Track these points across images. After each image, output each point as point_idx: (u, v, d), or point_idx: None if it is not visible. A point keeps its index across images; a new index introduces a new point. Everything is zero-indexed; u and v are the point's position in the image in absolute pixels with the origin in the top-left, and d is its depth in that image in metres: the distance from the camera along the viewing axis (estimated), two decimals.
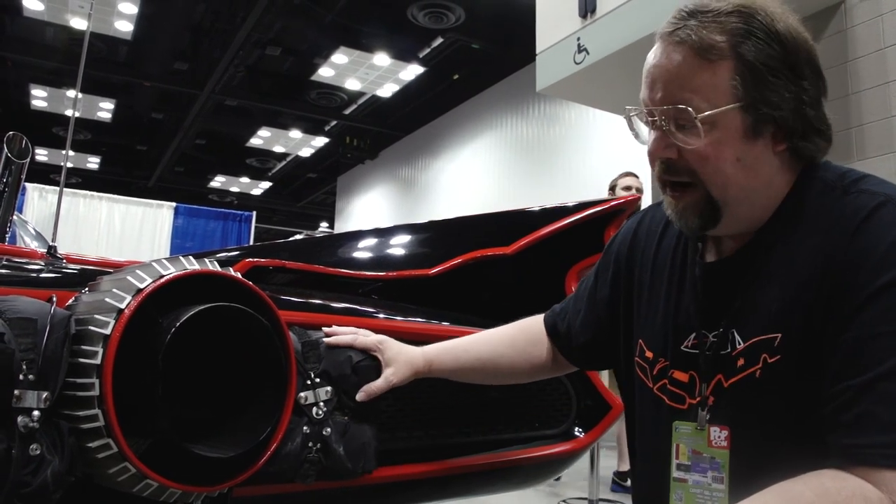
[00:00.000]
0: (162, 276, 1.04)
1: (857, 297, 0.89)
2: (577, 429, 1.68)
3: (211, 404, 1.12)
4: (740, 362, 1.01)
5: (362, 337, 1.30)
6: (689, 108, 0.98)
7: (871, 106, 4.36)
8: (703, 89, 0.98)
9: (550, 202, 1.90)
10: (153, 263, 1.07)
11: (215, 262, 1.12)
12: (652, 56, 1.03)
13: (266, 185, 19.68)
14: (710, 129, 0.98)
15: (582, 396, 1.70)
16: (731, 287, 1.05)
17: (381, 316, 1.48)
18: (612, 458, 5.26)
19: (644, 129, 1.09)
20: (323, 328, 1.31)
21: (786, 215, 1.02)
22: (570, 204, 1.84)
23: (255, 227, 10.94)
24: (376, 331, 1.35)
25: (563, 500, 3.96)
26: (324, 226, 22.65)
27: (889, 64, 4.34)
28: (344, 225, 18.90)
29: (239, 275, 1.13)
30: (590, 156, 10.47)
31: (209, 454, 1.02)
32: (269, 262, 1.67)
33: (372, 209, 17.48)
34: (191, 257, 1.12)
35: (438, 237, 1.92)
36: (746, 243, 1.06)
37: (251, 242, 10.33)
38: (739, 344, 1.02)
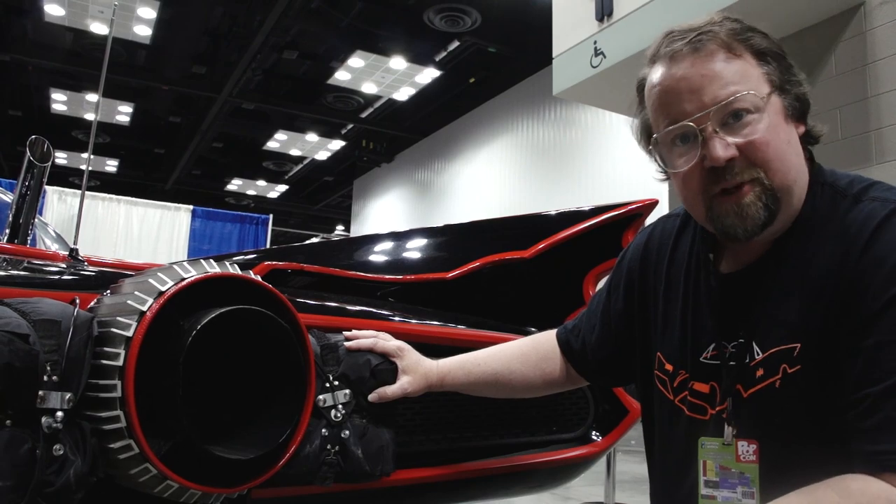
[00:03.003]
0: (183, 279, 1.04)
1: (874, 305, 0.90)
2: (594, 433, 1.68)
3: (231, 406, 1.13)
4: (759, 372, 1.01)
5: (382, 342, 1.30)
6: (751, 92, 0.99)
7: (891, 109, 4.32)
8: (743, 80, 1.00)
9: (567, 206, 1.90)
10: (174, 266, 1.08)
11: (236, 266, 1.13)
12: (674, 72, 1.02)
13: (282, 188, 19.77)
14: (763, 115, 0.99)
15: (599, 400, 1.70)
16: (748, 297, 1.06)
17: (401, 320, 1.48)
18: (626, 462, 5.24)
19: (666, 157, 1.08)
20: (343, 332, 1.31)
21: (800, 223, 1.04)
22: (588, 208, 1.83)
23: (272, 230, 10.99)
24: (395, 335, 1.35)
25: (579, 503, 3.94)
26: (340, 229, 22.72)
27: None
28: (360, 228, 18.94)
29: (259, 278, 1.14)
30: (606, 160, 10.45)
31: (229, 456, 1.02)
32: (287, 265, 1.68)
33: (388, 212, 17.51)
34: (211, 260, 1.13)
35: (456, 241, 1.92)
36: (762, 254, 1.07)
37: (267, 245, 10.39)
38: (758, 354, 1.02)
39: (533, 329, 1.73)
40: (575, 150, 11.25)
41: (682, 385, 1.12)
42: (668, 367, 1.16)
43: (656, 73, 1.06)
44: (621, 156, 10.02)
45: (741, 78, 1.00)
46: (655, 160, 1.12)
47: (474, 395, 1.39)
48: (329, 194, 20.52)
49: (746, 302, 1.06)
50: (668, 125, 1.04)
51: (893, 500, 0.82)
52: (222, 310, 1.02)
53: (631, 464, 5.67)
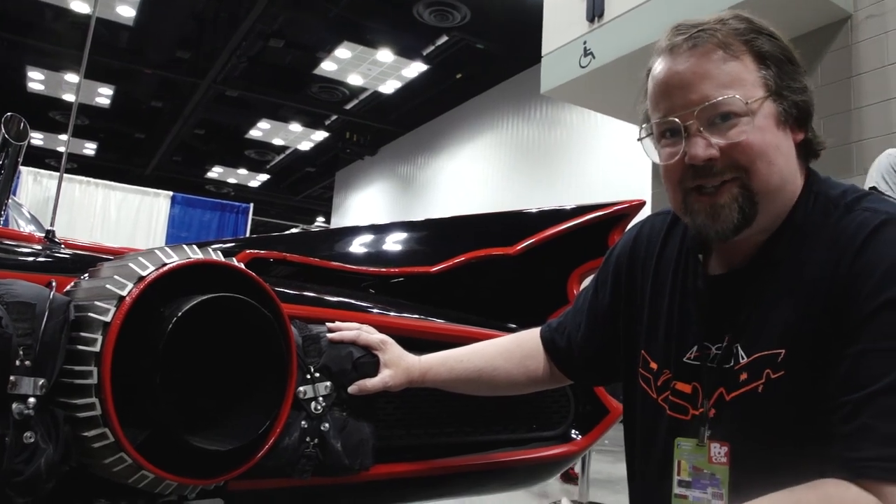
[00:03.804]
0: (165, 264, 1.02)
1: (860, 313, 0.90)
2: (574, 431, 1.67)
3: (210, 396, 1.11)
4: (743, 376, 1.01)
5: (365, 334, 1.28)
6: (738, 96, 0.98)
7: (873, 122, 4.37)
8: (737, 83, 1.00)
9: (552, 204, 1.89)
10: (156, 251, 1.06)
11: (219, 252, 1.10)
12: (670, 64, 1.03)
13: (264, 177, 19.65)
14: (752, 119, 0.99)
15: (580, 399, 1.69)
16: (736, 301, 1.05)
17: (384, 312, 1.46)
18: (600, 461, 5.26)
19: (654, 146, 1.09)
20: (326, 323, 1.29)
21: (791, 229, 1.03)
22: (575, 206, 1.82)
23: (252, 219, 10.90)
24: (378, 328, 1.34)
25: (553, 502, 3.95)
26: (320, 220, 22.65)
27: (892, 81, 4.35)
28: (340, 220, 18.89)
29: (242, 266, 1.11)
30: (590, 160, 10.49)
31: (207, 447, 1.00)
32: (269, 253, 1.66)
33: (369, 205, 17.47)
34: (194, 246, 1.10)
35: (441, 235, 1.90)
36: (751, 257, 1.06)
37: (247, 234, 10.30)
38: (743, 358, 1.02)
39: (515, 326, 1.72)
40: (559, 149, 11.28)
41: (666, 384, 1.12)
42: (653, 365, 1.15)
43: (656, 66, 1.06)
44: (605, 157, 10.07)
45: (733, 80, 1.00)
46: (647, 150, 1.12)
47: (455, 392, 1.37)
48: (311, 185, 20.43)
49: (733, 305, 1.06)
50: (658, 118, 1.05)
51: None
52: (204, 297, 1.00)
53: (604, 463, 5.69)
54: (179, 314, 0.97)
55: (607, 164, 9.96)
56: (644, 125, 1.11)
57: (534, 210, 1.87)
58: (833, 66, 4.52)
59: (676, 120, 1.02)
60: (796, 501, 0.84)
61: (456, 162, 14.13)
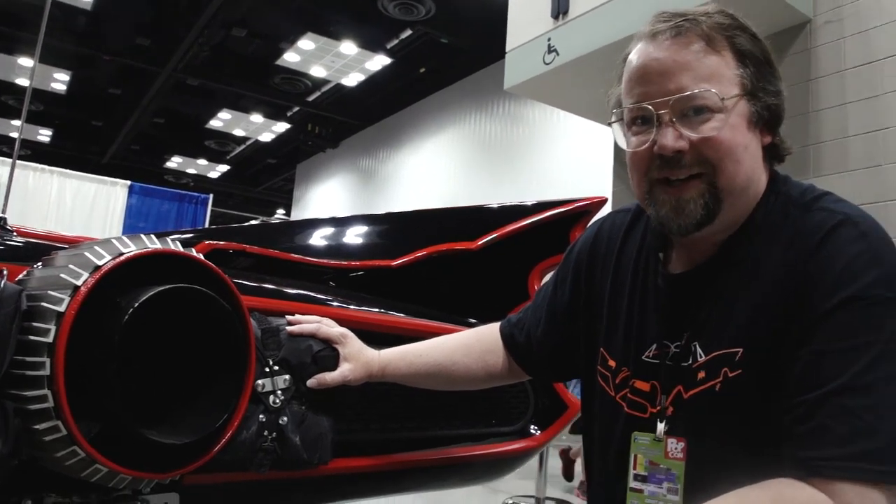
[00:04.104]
0: (122, 254, 1.00)
1: (815, 314, 0.91)
2: (533, 427, 1.68)
3: (166, 389, 1.09)
4: (700, 375, 1.01)
5: (325, 328, 1.27)
6: (714, 91, 0.98)
7: (830, 125, 4.45)
8: (715, 78, 0.99)
9: (515, 200, 1.89)
10: (112, 240, 1.04)
11: (177, 242, 1.08)
12: (650, 51, 1.02)
13: (224, 168, 19.39)
14: (725, 116, 0.99)
15: (539, 395, 1.70)
16: (695, 299, 1.06)
17: (344, 306, 1.46)
18: (557, 457, 5.29)
19: (623, 132, 1.09)
20: (286, 316, 1.28)
21: (752, 228, 1.04)
22: (537, 202, 1.83)
23: (211, 210, 10.73)
24: (338, 321, 1.33)
25: (510, 497, 3.97)
26: (280, 213, 22.44)
27: (848, 86, 4.44)
28: (301, 213, 18.73)
29: (201, 256, 1.10)
30: (552, 157, 10.54)
31: (163, 440, 0.99)
32: (229, 245, 1.64)
33: (330, 198, 17.36)
34: (152, 236, 1.08)
35: (402, 229, 1.90)
36: (712, 256, 1.07)
37: (206, 225, 10.15)
38: (701, 357, 1.02)
39: (475, 321, 1.72)
40: (521, 146, 11.32)
41: (624, 382, 1.13)
42: (611, 363, 1.16)
43: (636, 51, 1.05)
44: (567, 154, 10.12)
45: (712, 74, 0.99)
46: (616, 135, 1.11)
47: (415, 386, 1.37)
48: (271, 177, 20.21)
49: (693, 303, 1.06)
50: (631, 103, 1.04)
51: None
52: (162, 287, 0.98)
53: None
54: (136, 305, 0.95)
55: (569, 161, 10.02)
56: (615, 109, 1.09)
57: (496, 205, 1.87)
58: (793, 69, 4.59)
59: (650, 107, 1.01)
60: (749, 502, 0.85)
61: (418, 156, 14.10)
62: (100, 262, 0.98)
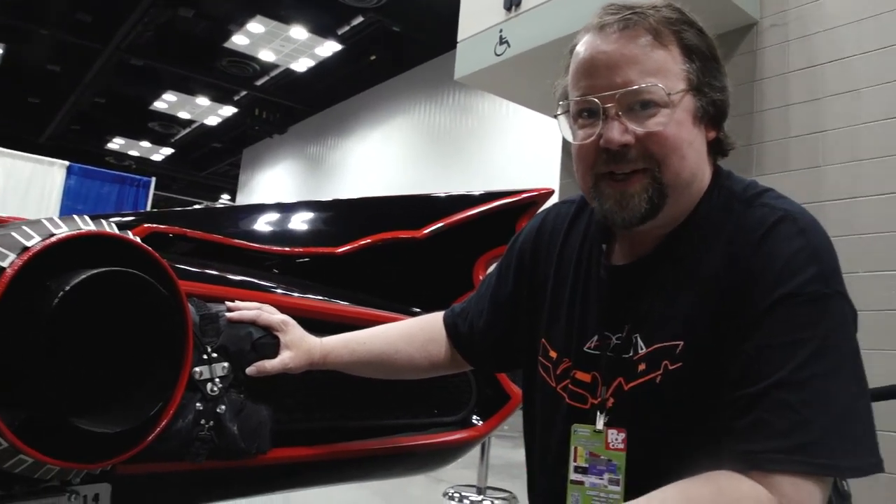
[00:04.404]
0: (53, 235, 0.96)
1: (756, 309, 0.93)
2: (475, 417, 1.68)
3: (98, 376, 1.05)
4: (641, 367, 1.02)
5: (266, 314, 1.25)
6: (661, 86, 0.98)
7: (773, 126, 4.56)
8: (661, 72, 0.99)
9: (461, 190, 1.89)
10: (43, 221, 0.99)
11: (113, 225, 1.05)
12: (598, 44, 1.02)
13: (168, 151, 18.96)
14: (672, 111, 0.99)
15: (482, 385, 1.70)
16: (637, 291, 1.07)
17: (286, 293, 1.43)
18: (498, 447, 5.34)
19: (569, 125, 1.08)
20: (225, 302, 1.25)
21: (695, 223, 1.05)
22: (483, 192, 1.83)
23: (154, 194, 10.46)
24: (280, 308, 1.30)
25: (451, 487, 3.98)
26: (225, 198, 22.08)
27: (791, 88, 4.54)
28: (247, 199, 18.47)
29: (138, 239, 1.06)
30: (500, 149, 10.58)
31: (93, 429, 0.95)
32: (169, 228, 1.60)
33: (277, 184, 17.15)
34: (86, 217, 1.04)
35: (347, 216, 1.87)
36: (654, 249, 1.08)
37: (148, 209, 9.91)
38: (642, 349, 1.03)
39: (419, 310, 1.71)
40: (470, 137, 11.33)
41: (565, 373, 1.13)
42: (553, 353, 1.16)
43: (583, 43, 1.05)
44: (514, 147, 10.17)
45: (659, 69, 1.00)
46: (561, 127, 1.10)
47: (356, 375, 1.35)
48: (216, 162, 19.85)
49: (634, 296, 1.07)
50: (577, 96, 1.04)
51: (761, 499, 0.84)
52: (95, 271, 0.94)
53: (503, 449, 5.79)
54: (67, 289, 0.91)
55: (517, 153, 10.07)
56: (562, 101, 1.09)
57: (442, 195, 1.86)
58: (739, 70, 4.69)
59: (596, 100, 1.00)
60: (689, 496, 0.85)
61: (366, 144, 14.01)
62: (28, 244, 0.94)
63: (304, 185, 16.00)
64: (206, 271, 1.35)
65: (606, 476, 1.01)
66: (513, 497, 3.94)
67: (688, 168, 1.02)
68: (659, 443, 1.00)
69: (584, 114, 1.04)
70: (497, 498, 3.88)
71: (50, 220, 1.00)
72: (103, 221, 1.05)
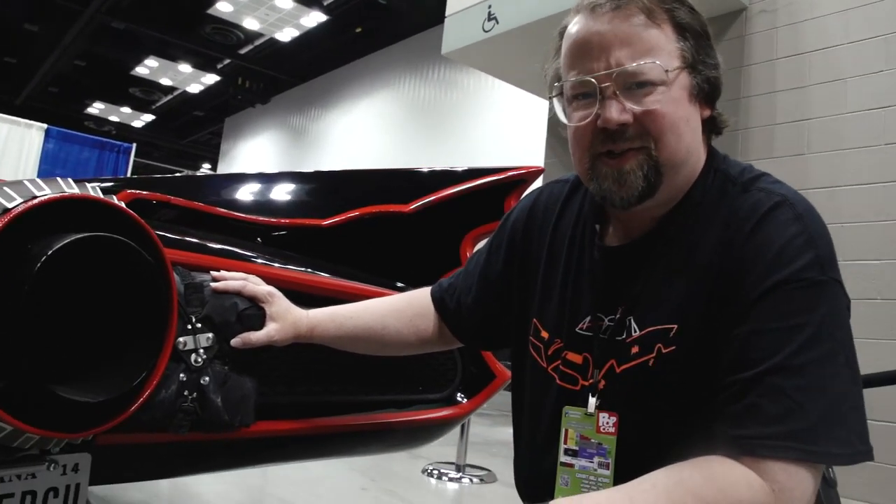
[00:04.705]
0: (35, 197, 0.93)
1: (751, 294, 0.92)
2: (460, 395, 1.67)
3: (80, 344, 1.03)
4: (634, 349, 1.01)
5: (252, 285, 1.23)
6: (658, 63, 0.97)
7: (760, 111, 4.57)
8: (656, 51, 0.98)
9: (450, 165, 1.87)
10: (25, 182, 0.96)
11: (97, 189, 1.02)
12: (591, 24, 1.00)
13: (149, 117, 18.70)
14: (668, 89, 0.98)
15: (467, 363, 1.69)
16: (631, 273, 1.05)
17: (272, 264, 1.41)
18: (477, 425, 5.36)
19: (563, 108, 1.07)
20: (210, 271, 1.22)
21: (689, 205, 1.04)
22: (472, 168, 1.81)
23: (134, 161, 10.30)
24: (266, 279, 1.28)
25: (430, 464, 3.99)
26: (206, 167, 21.85)
27: (778, 75, 4.55)
28: (228, 168, 18.31)
29: (122, 204, 1.03)
30: (484, 125, 10.55)
31: (74, 398, 0.93)
32: (153, 195, 1.57)
33: (258, 155, 17.00)
34: (70, 180, 1.01)
35: (334, 188, 1.85)
36: (648, 231, 1.07)
37: (128, 175, 9.76)
38: (635, 332, 1.02)
39: (403, 286, 1.70)
40: (454, 111, 11.28)
41: (556, 354, 1.12)
42: (544, 334, 1.15)
43: (574, 24, 1.03)
44: (499, 124, 10.14)
45: (653, 47, 0.98)
46: (556, 110, 1.09)
47: (343, 350, 1.33)
48: (198, 130, 19.62)
49: (628, 278, 1.06)
50: (573, 78, 1.02)
51: (752, 484, 0.83)
52: (79, 235, 0.92)
53: (482, 427, 5.82)
54: (49, 253, 0.89)
55: (501, 130, 10.04)
56: (556, 84, 1.07)
57: (431, 169, 1.84)
58: (728, 55, 4.68)
59: (593, 81, 0.99)
60: (680, 479, 0.84)
61: (350, 117, 13.91)
62: (10, 205, 0.91)
63: (287, 156, 15.87)
64: (191, 239, 1.33)
65: (596, 459, 1.01)
66: (491, 475, 3.96)
67: (684, 145, 1.01)
68: (650, 426, 0.99)
69: (580, 96, 1.03)
70: (475, 476, 3.89)
71: (32, 181, 0.97)
72: (87, 185, 1.02)
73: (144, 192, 1.54)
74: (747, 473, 0.84)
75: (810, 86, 4.40)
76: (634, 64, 0.97)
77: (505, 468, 4.15)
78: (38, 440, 0.94)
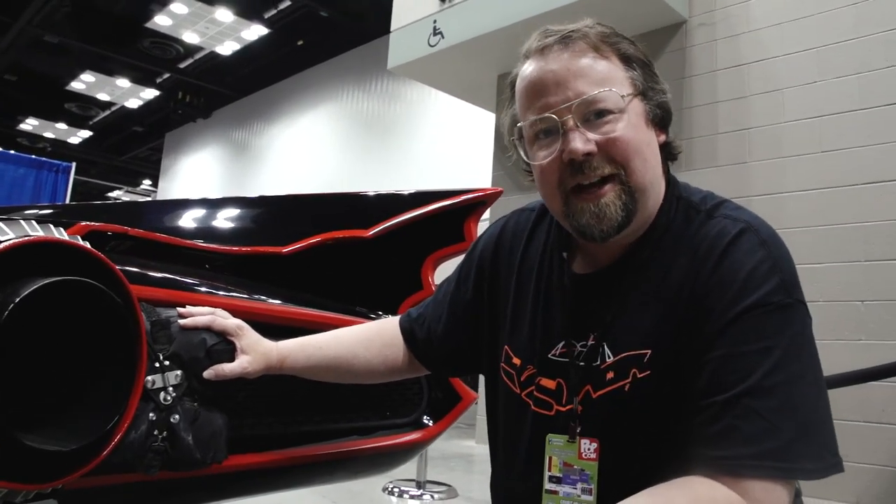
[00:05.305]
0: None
1: (721, 320, 0.95)
2: (426, 418, 1.67)
3: (45, 388, 1.00)
4: (609, 375, 1.03)
5: (221, 319, 1.21)
6: (614, 90, 1.01)
7: (701, 122, 4.69)
8: (609, 81, 1.02)
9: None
10: None
11: (62, 230, 1.00)
12: (543, 65, 1.04)
13: (86, 133, 18.24)
14: (625, 115, 1.02)
15: (433, 387, 1.69)
16: (602, 300, 1.08)
17: (239, 296, 1.39)
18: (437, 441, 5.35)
19: (525, 151, 1.10)
20: (177, 307, 1.20)
21: (657, 233, 1.07)
22: (432, 191, 1.81)
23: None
24: (232, 312, 1.26)
25: (390, 481, 3.97)
26: (147, 183, 21.40)
27: (719, 85, 4.68)
28: (169, 185, 17.98)
29: (88, 244, 1.01)
30: (429, 137, 10.58)
31: (45, 447, 0.90)
32: (107, 226, 1.53)
33: (201, 170, 16.74)
34: (33, 222, 0.99)
35: (292, 213, 1.83)
36: (617, 259, 1.09)
37: (68, 197, 9.47)
38: (609, 357, 1.04)
39: (364, 310, 1.70)
40: (397, 124, 11.29)
41: (530, 380, 1.13)
42: (516, 360, 1.16)
43: (527, 67, 1.07)
44: (443, 136, 10.19)
45: (606, 77, 1.02)
46: (518, 153, 1.11)
47: (312, 379, 1.32)
48: (137, 145, 19.20)
49: (598, 305, 1.08)
50: (532, 117, 1.05)
51: (733, 502, 0.86)
52: (47, 280, 0.89)
53: (438, 441, 5.80)
54: (17, 300, 0.86)
55: (446, 142, 10.08)
56: (516, 127, 1.10)
57: (390, 192, 1.84)
58: (668, 67, 4.80)
59: (553, 116, 1.02)
60: (666, 501, 0.86)
61: (293, 130, 13.80)
62: None
63: (229, 171, 15.67)
64: (154, 274, 1.30)
65: (580, 486, 1.02)
66: (452, 490, 3.96)
67: (650, 170, 1.05)
68: (628, 450, 1.01)
69: (541, 134, 1.05)
70: (436, 492, 3.89)
71: None
72: (52, 227, 1.00)
73: (97, 224, 1.51)
74: (728, 493, 0.87)
75: (750, 96, 4.53)
76: (594, 91, 1.00)
77: (465, 483, 4.16)
78: (7, 493, 0.91)
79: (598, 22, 1.09)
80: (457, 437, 6.08)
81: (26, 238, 0.93)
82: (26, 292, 0.87)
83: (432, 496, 3.83)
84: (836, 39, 4.21)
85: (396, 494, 3.83)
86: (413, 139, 10.91)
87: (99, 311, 0.99)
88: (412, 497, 3.81)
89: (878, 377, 3.25)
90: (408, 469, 4.01)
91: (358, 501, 3.68)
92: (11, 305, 0.86)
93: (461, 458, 5.22)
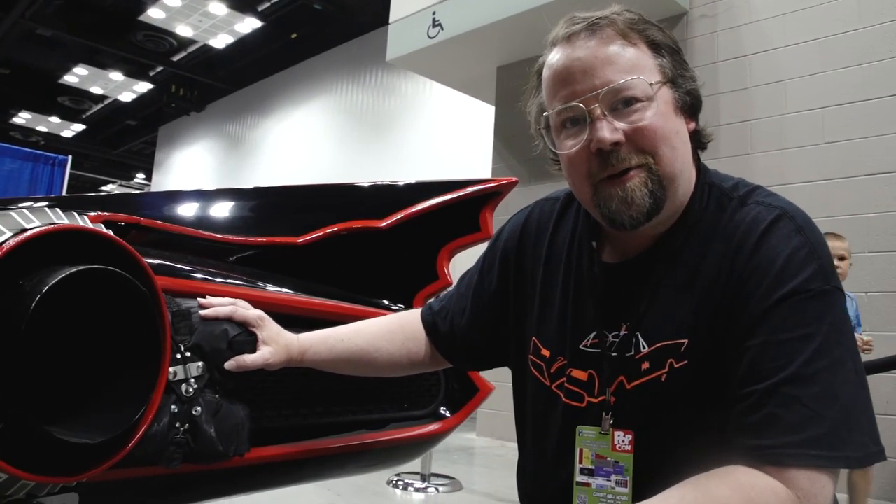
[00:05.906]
0: (25, 230, 0.88)
1: (760, 307, 0.93)
2: (444, 410, 1.66)
3: (70, 380, 0.98)
4: (644, 365, 1.01)
5: (242, 310, 1.19)
6: (642, 78, 0.99)
7: (703, 113, 4.66)
8: (638, 68, 1.00)
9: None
10: (11, 213, 0.91)
11: (85, 217, 0.97)
12: (570, 52, 1.02)
13: (79, 127, 18.16)
14: (654, 103, 1.00)
15: (450, 379, 1.68)
16: (634, 290, 1.06)
17: (259, 286, 1.37)
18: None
19: (552, 140, 1.08)
20: (198, 298, 1.18)
21: (689, 221, 1.05)
22: (447, 181, 1.79)
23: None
24: (253, 303, 1.24)
25: (395, 475, 3.96)
26: (140, 177, 21.32)
27: (720, 77, 4.66)
28: (163, 178, 17.92)
29: (111, 232, 0.99)
30: (424, 130, 10.56)
31: (74, 439, 0.88)
32: (115, 216, 1.51)
33: (194, 163, 16.69)
34: (57, 209, 0.96)
35: (306, 204, 1.81)
36: (647, 248, 1.07)
37: (64, 189, 9.40)
38: (644, 348, 1.02)
39: (383, 301, 1.68)
40: (392, 117, 11.27)
41: (560, 371, 1.11)
42: (545, 352, 1.14)
43: (553, 55, 1.05)
44: (439, 129, 10.18)
45: (634, 65, 1.00)
46: (545, 142, 1.09)
47: (334, 372, 1.30)
48: (131, 139, 19.13)
49: (632, 294, 1.06)
50: (559, 106, 1.03)
51: (778, 493, 0.84)
52: (74, 269, 0.87)
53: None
54: (45, 289, 0.84)
55: (442, 135, 10.06)
56: (542, 116, 1.08)
57: (405, 183, 1.82)
58: None
59: (580, 105, 1.00)
60: (708, 492, 0.84)
61: (287, 123, 13.76)
62: (0, 239, 0.85)
63: (223, 165, 15.61)
64: (174, 264, 1.28)
65: (614, 478, 1.00)
66: (456, 482, 3.95)
67: (679, 158, 1.02)
68: (664, 441, 0.99)
69: (568, 123, 1.04)
70: (441, 485, 3.87)
71: (19, 210, 0.92)
72: (75, 214, 0.97)
73: (109, 214, 1.48)
74: (772, 482, 0.85)
75: (752, 87, 4.52)
76: (622, 80, 0.98)
77: (468, 475, 4.14)
78: (33, 486, 0.89)
79: (627, 8, 1.06)
80: (458, 429, 6.06)
81: (54, 226, 0.91)
82: (53, 280, 0.84)
83: (437, 489, 3.82)
84: (840, 30, 4.19)
85: (401, 487, 3.82)
86: (408, 132, 10.88)
87: (124, 301, 0.96)
88: (417, 490, 3.80)
89: (883, 369, 3.24)
90: (412, 462, 4.01)
91: (363, 494, 3.66)
92: (39, 295, 0.83)
93: (463, 451, 5.21)
